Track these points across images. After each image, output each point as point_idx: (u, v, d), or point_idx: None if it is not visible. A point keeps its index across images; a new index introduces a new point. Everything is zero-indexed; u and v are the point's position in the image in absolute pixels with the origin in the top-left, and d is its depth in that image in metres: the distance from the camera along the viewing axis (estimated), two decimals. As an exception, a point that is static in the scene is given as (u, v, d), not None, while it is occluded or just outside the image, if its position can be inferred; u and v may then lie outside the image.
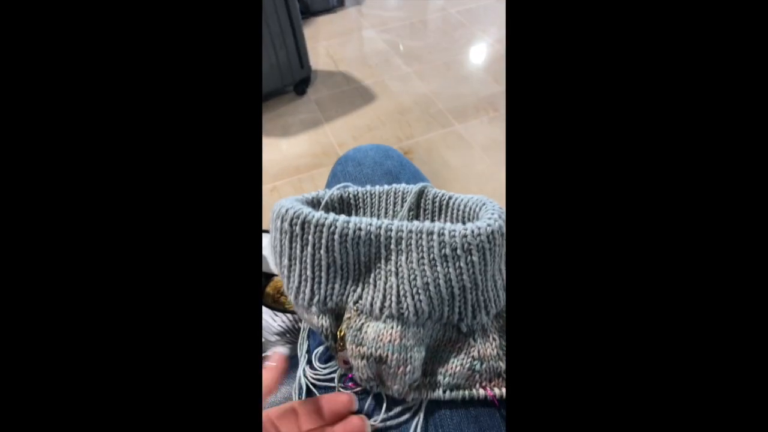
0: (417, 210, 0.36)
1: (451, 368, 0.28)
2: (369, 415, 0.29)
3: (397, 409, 0.29)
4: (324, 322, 0.28)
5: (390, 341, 0.26)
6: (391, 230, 0.26)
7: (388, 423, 0.29)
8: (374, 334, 0.26)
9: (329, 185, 0.47)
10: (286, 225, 0.27)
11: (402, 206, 0.36)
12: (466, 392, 0.28)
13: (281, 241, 0.28)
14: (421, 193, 0.36)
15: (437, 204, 0.35)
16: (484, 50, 1.60)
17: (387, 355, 0.26)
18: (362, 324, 0.27)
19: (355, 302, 0.27)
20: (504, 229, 0.27)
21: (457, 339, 0.29)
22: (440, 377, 0.28)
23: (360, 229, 0.26)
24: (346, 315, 0.27)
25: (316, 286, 0.28)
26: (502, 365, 0.28)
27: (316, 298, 0.28)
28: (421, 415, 0.28)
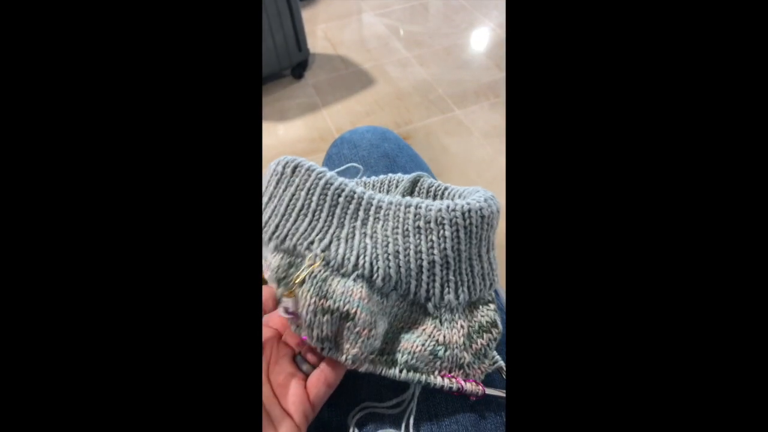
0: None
1: (412, 346, 0.27)
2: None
3: (392, 402, 0.28)
4: (275, 260, 0.27)
5: (360, 298, 0.25)
6: (373, 198, 0.28)
7: (381, 411, 0.28)
8: (342, 288, 0.25)
9: (324, 168, 0.45)
10: (279, 167, 0.29)
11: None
12: (423, 376, 0.26)
13: (269, 181, 0.29)
14: (415, 182, 0.35)
15: (431, 194, 0.34)
16: (486, 35, 1.57)
17: (356, 312, 0.25)
18: (327, 276, 0.26)
19: (323, 250, 0.27)
20: (486, 212, 0.27)
21: (422, 321, 0.28)
22: (398, 355, 0.27)
23: (346, 185, 0.28)
24: (307, 262, 0.26)
25: (282, 221, 0.28)
26: (467, 356, 0.27)
27: (277, 233, 0.28)
28: (414, 404, 0.27)
